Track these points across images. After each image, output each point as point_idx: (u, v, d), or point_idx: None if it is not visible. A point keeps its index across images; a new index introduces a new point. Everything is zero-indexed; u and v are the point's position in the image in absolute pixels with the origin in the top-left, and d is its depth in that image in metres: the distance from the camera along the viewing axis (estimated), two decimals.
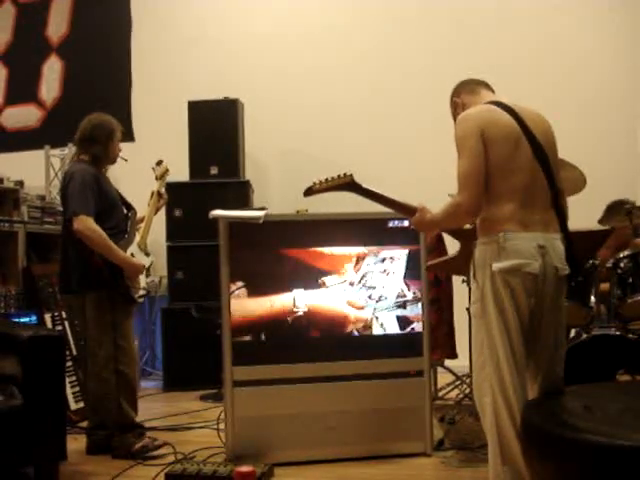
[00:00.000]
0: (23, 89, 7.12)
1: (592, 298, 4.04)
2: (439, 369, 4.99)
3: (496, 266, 2.61)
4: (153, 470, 3.61)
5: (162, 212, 5.47)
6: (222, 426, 3.87)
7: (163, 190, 4.38)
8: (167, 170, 4.40)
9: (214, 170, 6.10)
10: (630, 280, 3.99)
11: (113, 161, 4.16)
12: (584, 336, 3.88)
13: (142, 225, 4.21)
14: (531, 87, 5.87)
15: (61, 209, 4.26)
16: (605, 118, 6.29)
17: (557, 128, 2.85)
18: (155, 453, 3.91)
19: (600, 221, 4.53)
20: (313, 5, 6.82)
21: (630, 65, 6.38)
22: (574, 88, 6.30)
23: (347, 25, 6.73)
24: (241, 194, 6.01)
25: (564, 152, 2.96)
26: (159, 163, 4.40)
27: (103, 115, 4.12)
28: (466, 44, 6.43)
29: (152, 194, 4.32)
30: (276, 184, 6.64)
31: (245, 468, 2.15)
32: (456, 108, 3.00)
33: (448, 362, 4.91)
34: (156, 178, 4.36)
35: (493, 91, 3.00)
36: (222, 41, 6.78)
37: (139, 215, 4.24)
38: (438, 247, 4.60)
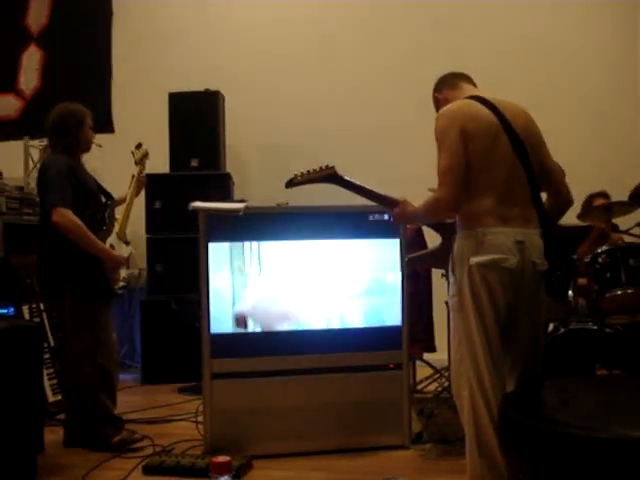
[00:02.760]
0: (1, 79, 7.04)
1: (570, 292, 4.06)
2: (418, 362, 5.00)
3: (473, 260, 2.62)
4: (131, 463, 3.60)
5: (142, 204, 5.47)
6: (201, 419, 3.87)
7: (143, 174, 4.35)
8: (147, 153, 4.36)
9: (194, 162, 6.07)
10: (608, 275, 4.01)
11: (87, 148, 4.12)
12: (562, 330, 3.91)
13: (122, 211, 4.18)
14: (528, 85, 6.03)
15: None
16: (602, 115, 6.35)
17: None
18: (134, 446, 3.90)
19: (579, 216, 4.56)
20: None
21: (628, 61, 6.43)
22: (573, 87, 6.38)
23: (330, 18, 6.72)
24: (221, 187, 5.99)
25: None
26: (138, 146, 4.35)
27: (71, 104, 4.08)
28: (453, 36, 6.48)
29: (132, 178, 4.29)
30: (257, 177, 6.62)
31: (221, 458, 2.14)
32: (438, 103, 3.00)
33: (427, 355, 4.93)
34: (135, 162, 4.33)
35: (474, 84, 3.01)
36: (203, 33, 6.76)
37: (118, 196, 4.21)
38: (418, 241, 4.61)
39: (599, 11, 6.49)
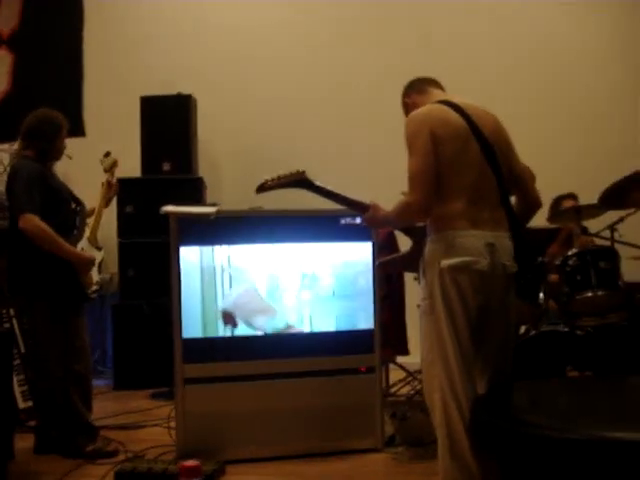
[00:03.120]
0: None
1: (541, 295, 4.09)
2: (391, 365, 5.01)
3: (444, 263, 2.63)
4: (103, 469, 3.58)
5: (113, 208, 5.42)
6: (173, 424, 3.85)
7: (114, 180, 4.33)
8: (115, 162, 4.34)
9: (166, 166, 6.05)
10: (578, 277, 4.05)
11: (58, 157, 4.09)
12: (533, 332, 3.94)
13: (92, 218, 4.16)
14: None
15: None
16: (575, 118, 6.42)
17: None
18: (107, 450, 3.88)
19: (549, 219, 4.60)
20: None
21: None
22: (546, 89, 6.44)
23: (304, 20, 6.75)
24: (194, 191, 5.98)
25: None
26: (107, 155, 4.34)
27: (50, 110, 4.05)
28: (423, 41, 6.54)
29: (102, 185, 4.27)
30: (230, 181, 6.61)
31: (190, 463, 2.14)
32: (407, 108, 3.01)
33: (400, 358, 4.94)
34: (104, 170, 4.31)
35: (443, 89, 3.03)
36: (176, 36, 6.74)
37: (89, 206, 4.19)
38: (390, 244, 4.62)
39: (589, 12, 6.55)
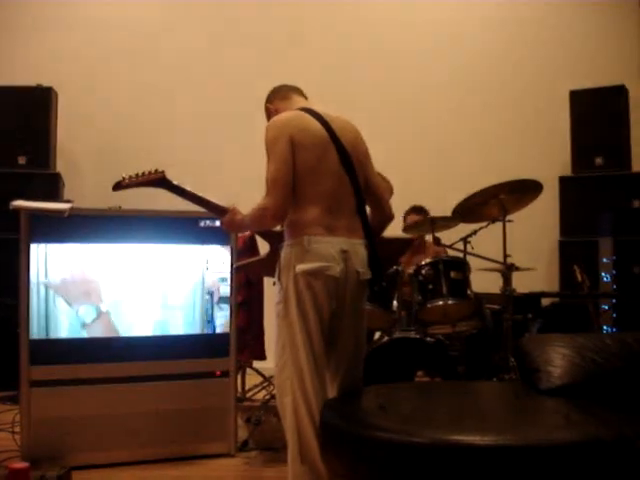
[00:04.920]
0: None
1: (395, 303, 4.20)
2: (248, 370, 5.01)
3: (299, 268, 2.66)
4: None
5: None
6: (18, 429, 3.70)
7: None
8: None
9: (22, 160, 5.84)
10: (430, 286, 4.18)
11: None
12: (385, 338, 4.05)
13: None
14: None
15: None
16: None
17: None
18: None
19: (403, 229, 4.74)
20: None
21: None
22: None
23: (172, 17, 6.73)
24: (51, 187, 5.82)
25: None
26: None
27: None
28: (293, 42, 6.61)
29: None
30: (90, 179, 6.43)
31: (19, 464, 2.06)
32: (269, 114, 3.03)
33: (257, 363, 4.95)
34: None
35: (306, 97, 3.06)
36: (38, 26, 6.52)
37: None
38: (250, 248, 4.63)
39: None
